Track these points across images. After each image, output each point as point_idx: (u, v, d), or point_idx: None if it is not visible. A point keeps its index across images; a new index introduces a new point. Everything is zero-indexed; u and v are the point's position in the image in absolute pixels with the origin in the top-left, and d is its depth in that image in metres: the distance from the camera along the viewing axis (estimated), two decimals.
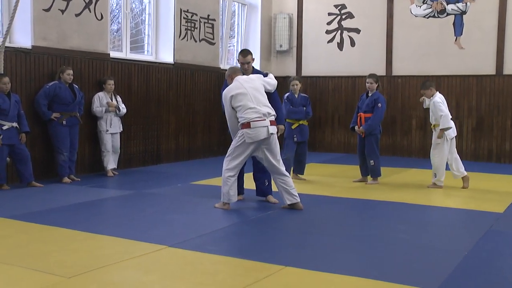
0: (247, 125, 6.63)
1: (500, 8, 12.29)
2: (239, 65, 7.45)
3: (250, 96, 6.71)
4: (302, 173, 9.43)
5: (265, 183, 7.39)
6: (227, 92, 6.83)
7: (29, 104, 8.56)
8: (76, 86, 8.97)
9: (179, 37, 11.56)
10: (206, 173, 9.87)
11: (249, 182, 7.62)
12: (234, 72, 7.07)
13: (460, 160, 8.73)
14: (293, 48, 14.52)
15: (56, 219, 6.21)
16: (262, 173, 7.30)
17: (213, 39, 12.58)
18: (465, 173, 8.68)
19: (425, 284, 4.25)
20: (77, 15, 9.31)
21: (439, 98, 8.66)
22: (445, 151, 8.58)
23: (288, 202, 6.87)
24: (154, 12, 11.42)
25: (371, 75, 9.24)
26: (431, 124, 8.83)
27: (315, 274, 4.43)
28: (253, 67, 7.50)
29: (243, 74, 7.10)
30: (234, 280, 4.31)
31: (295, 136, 9.19)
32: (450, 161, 8.65)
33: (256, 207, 7.08)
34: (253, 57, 7.54)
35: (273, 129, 6.73)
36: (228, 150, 6.89)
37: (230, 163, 6.81)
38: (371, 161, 9.03)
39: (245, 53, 7.43)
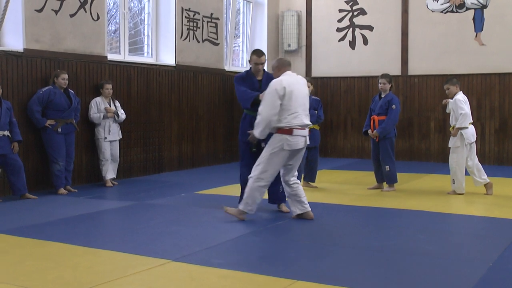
0: (288, 131, 6.52)
1: None
2: (251, 65, 7.39)
3: (300, 100, 6.62)
4: (314, 181, 9.42)
5: (279, 190, 7.33)
6: (281, 83, 6.54)
7: (21, 111, 8.60)
8: (72, 91, 9.00)
9: (181, 37, 11.60)
10: (211, 182, 9.88)
11: None
12: (283, 65, 6.80)
13: (481, 166, 8.70)
14: (302, 47, 14.54)
15: (52, 233, 6.23)
16: (275, 180, 7.28)
17: (216, 39, 12.61)
18: (488, 179, 8.65)
19: None
20: (71, 15, 9.36)
21: (461, 96, 8.67)
22: (463, 155, 8.56)
23: (298, 212, 6.87)
24: (153, 11, 11.46)
25: (384, 75, 9.25)
26: (451, 126, 8.81)
27: None
28: (264, 69, 7.50)
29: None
30: None
31: None
32: (472, 168, 8.61)
33: (265, 216, 7.07)
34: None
35: (308, 140, 6.75)
36: (260, 157, 6.70)
37: (263, 171, 6.63)
38: (387, 167, 9.03)
39: (260, 53, 7.38)
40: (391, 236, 6.19)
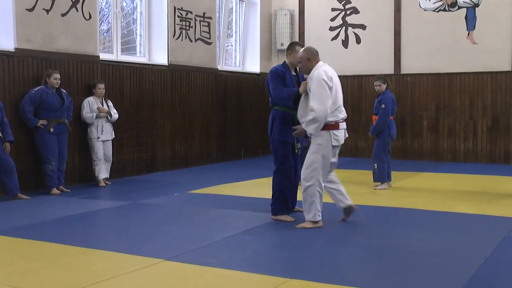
0: (335, 125, 6.35)
1: None
2: (289, 58, 6.91)
3: (340, 93, 6.47)
4: None
5: (296, 195, 7.21)
6: (327, 74, 6.30)
7: (13, 111, 8.58)
8: (64, 91, 8.99)
9: (174, 37, 11.59)
10: (204, 181, 9.88)
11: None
12: (314, 55, 6.48)
13: None
14: None
15: (45, 234, 6.22)
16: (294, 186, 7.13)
17: (209, 38, 12.61)
18: None
19: None
20: (63, 14, 9.34)
21: None
22: None
23: (348, 203, 6.76)
24: (146, 10, 11.45)
25: (377, 77, 9.36)
26: None
27: (322, 287, 4.43)
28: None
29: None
30: None
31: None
32: None
33: (258, 216, 7.06)
34: None
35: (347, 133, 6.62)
36: (312, 161, 6.38)
37: (321, 174, 6.41)
38: (375, 164, 9.16)
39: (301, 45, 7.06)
40: (385, 234, 6.21)
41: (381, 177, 9.17)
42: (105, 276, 4.70)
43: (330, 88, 6.25)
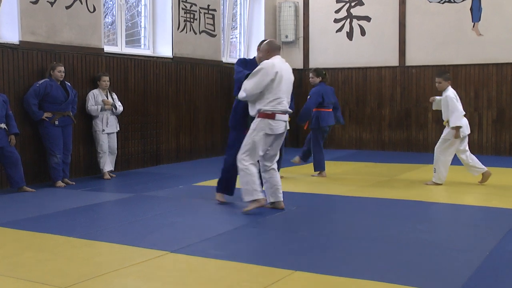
0: (271, 115, 6.64)
1: None
2: (260, 54, 7.09)
3: (286, 87, 6.75)
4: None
5: (232, 178, 7.42)
6: (273, 66, 6.61)
7: (18, 103, 8.58)
8: (69, 84, 8.99)
9: (178, 29, 11.57)
10: (209, 174, 9.85)
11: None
12: (273, 48, 6.88)
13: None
14: (300, 38, 14.52)
15: (50, 226, 6.23)
16: (233, 168, 7.24)
17: (214, 30, 12.59)
18: (485, 168, 8.66)
19: (444, 286, 4.25)
20: (67, 7, 9.33)
21: (452, 92, 8.65)
22: (454, 148, 8.58)
23: (272, 200, 6.97)
24: (150, 3, 11.43)
25: (312, 69, 9.70)
26: (444, 121, 8.82)
27: (327, 279, 4.43)
28: None
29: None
30: (241, 286, 4.31)
31: None
32: (466, 160, 8.62)
33: (262, 209, 7.06)
34: None
35: (288, 125, 6.89)
36: (244, 145, 6.75)
37: (250, 157, 6.71)
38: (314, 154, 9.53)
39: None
40: (389, 226, 6.20)
41: (318, 166, 9.51)
42: (109, 268, 4.71)
43: (271, 78, 6.55)
